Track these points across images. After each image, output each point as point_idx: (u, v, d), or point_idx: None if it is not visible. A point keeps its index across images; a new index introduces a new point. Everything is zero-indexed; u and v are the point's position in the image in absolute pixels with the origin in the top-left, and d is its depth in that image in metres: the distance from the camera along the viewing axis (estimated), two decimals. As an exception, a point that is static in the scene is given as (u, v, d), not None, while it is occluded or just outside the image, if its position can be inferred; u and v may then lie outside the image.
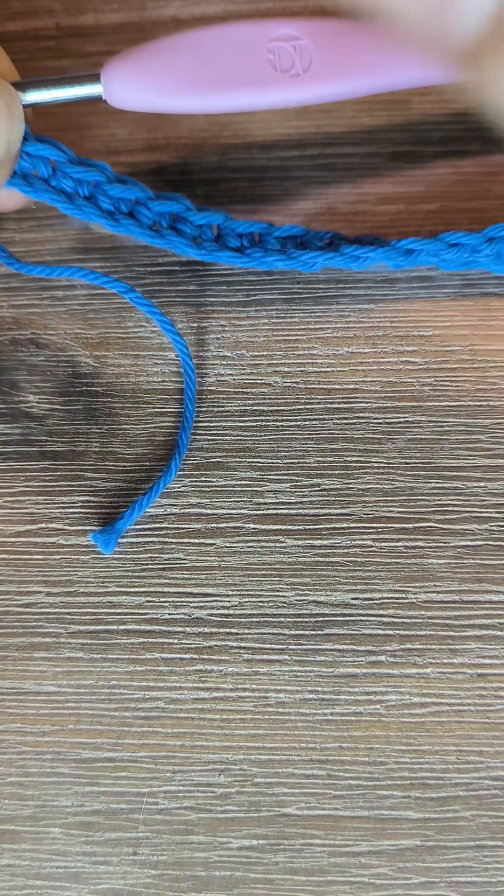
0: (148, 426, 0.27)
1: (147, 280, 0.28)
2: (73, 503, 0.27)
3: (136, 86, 0.23)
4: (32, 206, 0.27)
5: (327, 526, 0.26)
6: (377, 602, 0.25)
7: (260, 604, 0.25)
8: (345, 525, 0.26)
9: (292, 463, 0.26)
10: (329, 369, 0.27)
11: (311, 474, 0.26)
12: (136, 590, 0.26)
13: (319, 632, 0.25)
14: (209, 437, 0.27)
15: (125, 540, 0.26)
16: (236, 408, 0.27)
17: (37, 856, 0.25)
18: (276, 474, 0.26)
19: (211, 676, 0.25)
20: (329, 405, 0.26)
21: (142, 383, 0.27)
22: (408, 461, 0.26)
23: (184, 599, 0.26)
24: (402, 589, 0.25)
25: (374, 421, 0.26)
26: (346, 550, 0.26)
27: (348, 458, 0.26)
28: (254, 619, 0.25)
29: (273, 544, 0.26)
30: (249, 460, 0.26)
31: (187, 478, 0.26)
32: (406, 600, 0.25)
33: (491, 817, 0.24)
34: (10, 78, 0.24)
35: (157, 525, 0.26)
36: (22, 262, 0.27)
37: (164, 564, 0.26)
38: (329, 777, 0.24)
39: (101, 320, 0.28)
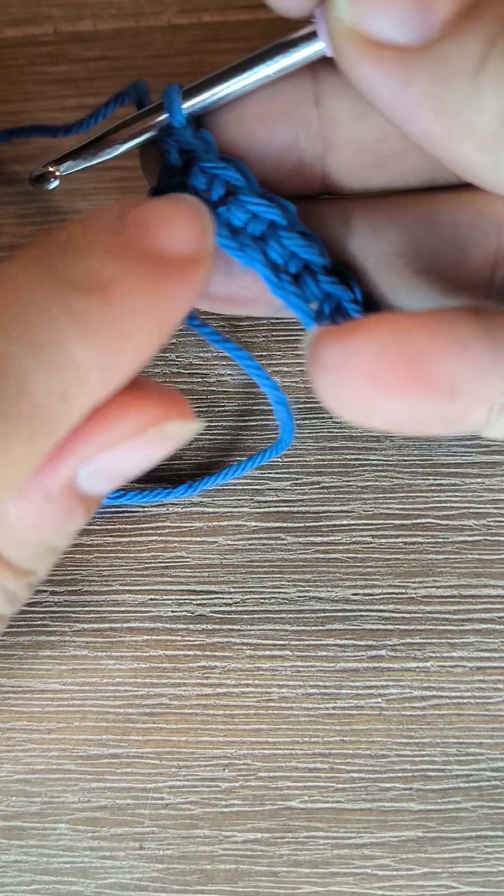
0: (149, 426, 0.27)
1: (147, 282, 0.28)
2: (77, 503, 0.27)
3: None
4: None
5: (327, 523, 0.26)
6: (377, 597, 0.26)
7: (262, 600, 0.26)
8: (345, 522, 0.26)
9: (292, 461, 0.27)
10: (327, 369, 0.27)
11: (311, 472, 0.26)
12: (140, 588, 0.26)
13: (320, 627, 0.25)
14: (209, 437, 0.27)
15: (127, 539, 0.26)
16: (236, 408, 0.27)
17: (44, 851, 0.25)
18: (276, 472, 0.27)
19: (214, 673, 0.25)
20: (328, 404, 0.27)
21: (143, 384, 0.27)
22: (406, 458, 0.26)
23: (186, 597, 0.26)
24: (401, 584, 0.26)
25: (373, 419, 0.27)
26: (346, 547, 0.26)
27: (347, 456, 0.26)
28: (256, 616, 0.26)
29: (274, 541, 0.26)
30: (250, 459, 0.27)
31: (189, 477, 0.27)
32: (406, 595, 0.26)
33: (491, 808, 0.24)
34: None
35: (160, 524, 0.26)
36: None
37: (166, 563, 0.26)
38: (332, 770, 0.25)
39: (102, 322, 0.28)
